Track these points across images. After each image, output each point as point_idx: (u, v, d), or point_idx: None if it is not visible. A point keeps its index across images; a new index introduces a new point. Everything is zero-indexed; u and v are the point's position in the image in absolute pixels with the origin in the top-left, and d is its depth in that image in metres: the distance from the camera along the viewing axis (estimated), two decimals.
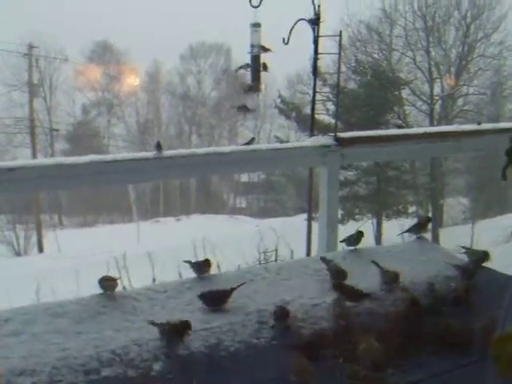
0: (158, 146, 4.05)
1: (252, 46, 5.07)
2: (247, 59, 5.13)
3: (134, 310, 2.37)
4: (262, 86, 5.24)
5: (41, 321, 2.27)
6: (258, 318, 2.33)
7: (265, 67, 4.88)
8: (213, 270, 2.82)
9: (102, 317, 2.31)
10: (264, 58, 5.09)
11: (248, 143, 4.61)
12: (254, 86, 5.14)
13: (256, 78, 5.10)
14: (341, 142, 4.61)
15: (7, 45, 27.62)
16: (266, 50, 4.86)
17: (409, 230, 3.37)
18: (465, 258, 3.02)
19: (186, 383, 1.91)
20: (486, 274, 2.84)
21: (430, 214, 23.07)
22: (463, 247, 3.10)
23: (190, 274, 2.87)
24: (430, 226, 3.42)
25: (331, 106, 19.10)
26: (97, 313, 2.34)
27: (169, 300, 2.46)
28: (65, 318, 2.29)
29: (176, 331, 2.12)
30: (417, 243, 3.37)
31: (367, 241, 3.27)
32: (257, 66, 5.05)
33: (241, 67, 5.09)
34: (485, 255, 2.94)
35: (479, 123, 5.29)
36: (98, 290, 2.52)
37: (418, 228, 3.37)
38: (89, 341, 2.14)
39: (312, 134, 5.04)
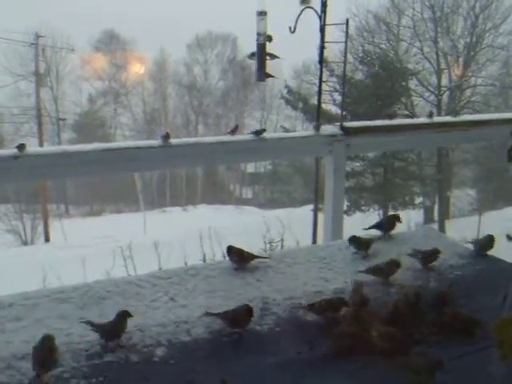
0: (166, 137, 4.03)
1: (258, 34, 5.04)
2: (254, 48, 5.11)
3: (137, 295, 2.37)
4: (271, 73, 5.18)
5: (44, 306, 2.27)
6: (261, 305, 2.33)
7: (272, 56, 4.84)
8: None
9: (105, 302, 2.31)
10: (271, 47, 5.07)
11: (232, 131, 4.54)
12: (262, 74, 5.12)
13: (262, 66, 5.08)
14: (347, 131, 4.60)
15: (14, 34, 27.62)
16: (273, 57, 4.80)
17: (376, 227, 3.17)
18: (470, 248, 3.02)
19: (188, 369, 1.90)
20: (491, 262, 2.83)
21: (436, 205, 23.04)
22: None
23: (196, 263, 2.85)
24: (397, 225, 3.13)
25: (338, 97, 19.06)
26: (100, 298, 2.34)
27: (172, 286, 2.46)
28: (68, 304, 2.30)
29: None
30: (422, 232, 3.36)
31: (374, 231, 3.26)
32: (262, 55, 5.03)
33: (252, 55, 5.06)
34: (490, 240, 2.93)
35: (430, 115, 5.24)
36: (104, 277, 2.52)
37: (385, 226, 3.16)
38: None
39: (318, 124, 5.01)
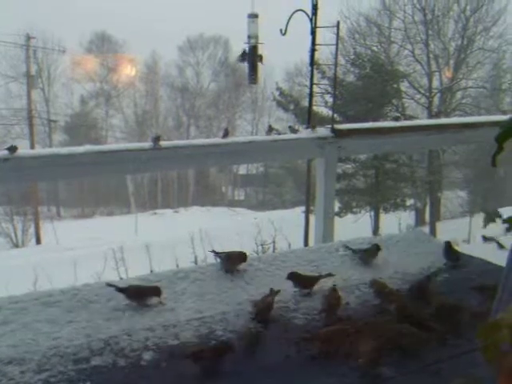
0: (157, 140, 4.01)
1: (249, 36, 5.05)
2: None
3: (126, 299, 2.36)
4: (260, 78, 5.22)
5: (32, 310, 2.26)
6: (251, 308, 2.32)
7: (260, 58, 4.87)
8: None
9: (93, 306, 2.30)
10: (262, 50, 5.07)
11: (224, 136, 4.53)
12: (254, 77, 5.13)
13: (253, 68, 5.09)
14: (338, 133, 4.60)
15: (5, 36, 27.52)
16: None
17: (355, 252, 2.91)
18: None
19: (176, 373, 1.89)
20: (480, 265, 2.84)
21: (427, 207, 23.11)
22: None
23: (187, 265, 2.84)
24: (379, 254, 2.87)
25: (330, 99, 19.10)
26: (88, 302, 2.33)
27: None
28: (56, 307, 2.28)
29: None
30: (413, 235, 3.36)
31: (365, 233, 3.26)
32: (254, 57, 5.04)
33: (242, 57, 5.07)
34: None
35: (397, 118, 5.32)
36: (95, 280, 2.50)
37: (365, 254, 2.88)
38: (79, 330, 2.13)
39: (309, 127, 5.03)
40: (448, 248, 2.87)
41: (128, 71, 38.32)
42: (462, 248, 3.08)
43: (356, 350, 1.92)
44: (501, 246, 5.17)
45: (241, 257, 2.69)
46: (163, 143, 4.10)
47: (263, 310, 2.25)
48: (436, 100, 24.24)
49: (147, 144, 4.09)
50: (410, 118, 20.76)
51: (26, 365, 1.90)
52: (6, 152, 3.64)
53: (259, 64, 5.05)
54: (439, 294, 2.40)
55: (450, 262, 2.84)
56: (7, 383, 1.82)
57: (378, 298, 2.40)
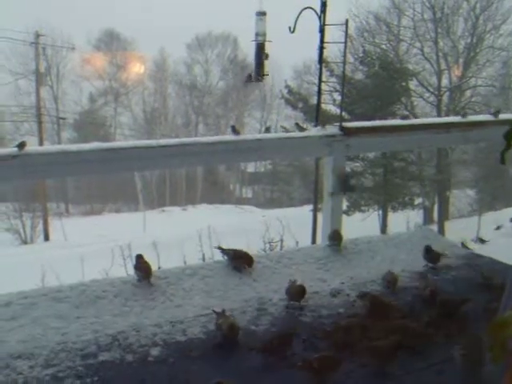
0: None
1: (257, 34, 5.05)
2: (252, 48, 5.12)
3: (134, 295, 2.37)
4: (271, 72, 5.22)
5: (41, 305, 2.27)
6: (258, 305, 2.33)
7: (266, 56, 4.87)
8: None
9: (101, 302, 2.31)
10: (271, 48, 5.07)
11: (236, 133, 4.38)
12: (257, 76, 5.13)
13: (260, 65, 5.09)
14: (346, 131, 4.59)
15: (14, 33, 27.55)
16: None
17: None
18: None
19: (183, 369, 1.90)
20: (488, 263, 2.84)
21: (436, 206, 23.03)
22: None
23: (195, 262, 2.83)
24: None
25: (338, 97, 19.08)
26: (96, 298, 2.34)
27: (169, 286, 2.46)
28: (65, 303, 2.29)
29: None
30: (421, 233, 3.36)
31: (373, 232, 3.26)
32: (261, 54, 5.04)
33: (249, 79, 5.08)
34: None
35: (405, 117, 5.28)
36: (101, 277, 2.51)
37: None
38: (88, 325, 2.15)
39: (318, 124, 5.02)
40: (428, 250, 2.86)
41: (137, 69, 38.37)
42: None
43: (370, 347, 1.93)
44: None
45: (247, 258, 2.69)
46: (171, 140, 4.11)
47: (297, 294, 2.37)
48: (445, 98, 24.13)
49: (155, 141, 4.09)
50: (419, 116, 20.68)
51: (34, 360, 1.92)
52: (15, 149, 3.65)
53: (267, 61, 5.06)
54: (444, 292, 2.40)
55: (429, 263, 2.83)
56: (16, 378, 1.83)
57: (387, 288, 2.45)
